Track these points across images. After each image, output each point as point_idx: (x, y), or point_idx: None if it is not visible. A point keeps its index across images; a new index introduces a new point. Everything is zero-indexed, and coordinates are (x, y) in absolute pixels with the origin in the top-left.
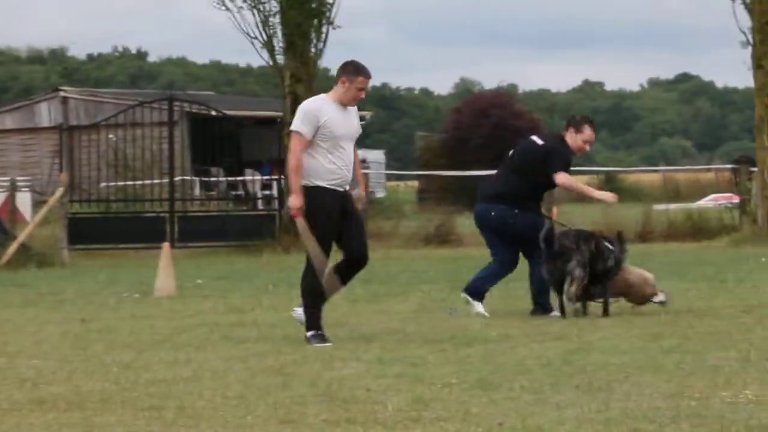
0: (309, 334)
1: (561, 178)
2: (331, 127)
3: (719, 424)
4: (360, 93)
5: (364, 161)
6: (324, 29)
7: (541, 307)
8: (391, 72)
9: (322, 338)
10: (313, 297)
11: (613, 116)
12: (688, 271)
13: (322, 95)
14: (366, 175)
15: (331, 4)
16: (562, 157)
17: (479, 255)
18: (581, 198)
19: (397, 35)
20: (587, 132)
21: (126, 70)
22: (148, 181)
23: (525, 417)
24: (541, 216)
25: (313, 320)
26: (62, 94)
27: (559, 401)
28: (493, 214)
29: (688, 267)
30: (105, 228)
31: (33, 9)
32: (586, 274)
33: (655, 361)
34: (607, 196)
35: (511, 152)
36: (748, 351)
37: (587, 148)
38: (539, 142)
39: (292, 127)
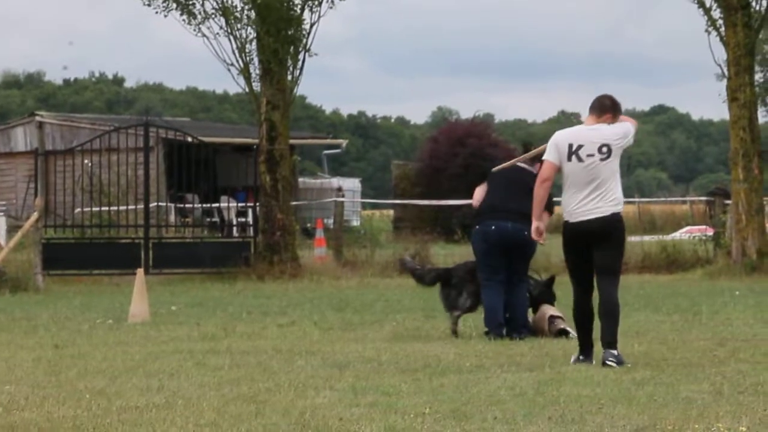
0: None
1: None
2: None
3: None
4: None
5: (339, 189)
6: (300, 56)
7: (520, 329)
8: (368, 100)
9: None
10: None
11: None
12: (663, 303)
13: None
14: (341, 203)
15: (308, 32)
16: None
17: None
18: (558, 229)
19: (373, 64)
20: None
21: (102, 96)
22: (123, 207)
23: None
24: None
25: None
26: (38, 118)
27: None
28: (526, 233)
29: (662, 299)
30: (80, 253)
31: (7, 33)
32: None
33: (628, 392)
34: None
35: (500, 177)
36: (721, 384)
37: None
38: (533, 170)
39: None
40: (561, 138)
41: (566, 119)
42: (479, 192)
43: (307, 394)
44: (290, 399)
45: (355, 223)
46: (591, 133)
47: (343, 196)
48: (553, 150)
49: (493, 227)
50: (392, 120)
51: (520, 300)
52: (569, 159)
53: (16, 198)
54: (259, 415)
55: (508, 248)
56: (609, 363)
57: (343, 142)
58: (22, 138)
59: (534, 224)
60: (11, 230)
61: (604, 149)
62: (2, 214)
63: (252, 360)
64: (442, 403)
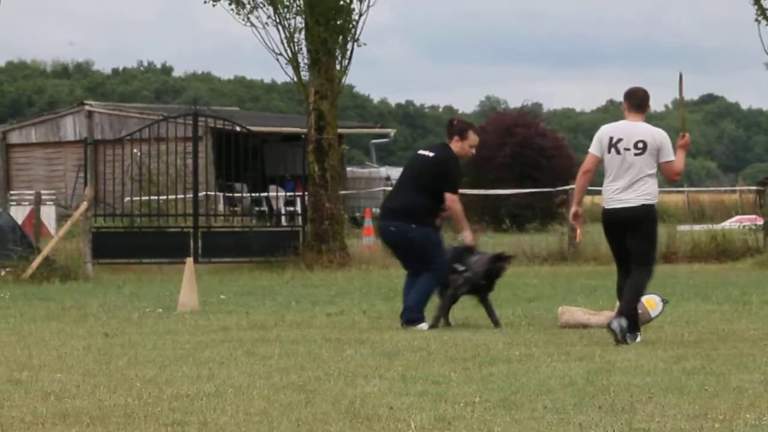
0: None
1: (450, 200)
2: None
3: None
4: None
5: (387, 179)
6: (349, 46)
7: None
8: (415, 89)
9: None
10: None
11: None
12: (713, 292)
13: None
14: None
15: (357, 21)
16: (455, 175)
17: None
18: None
19: (419, 52)
20: (472, 137)
21: (151, 85)
22: (172, 196)
23: None
24: (438, 231)
25: None
26: (87, 108)
27: (582, 421)
28: (392, 229)
29: (712, 288)
30: (129, 242)
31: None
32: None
33: (678, 382)
34: (469, 237)
35: (404, 167)
36: None
37: (473, 152)
38: (429, 154)
39: None
40: (604, 132)
41: (615, 108)
42: None
43: (356, 382)
44: (340, 388)
45: None
46: (631, 128)
47: (391, 185)
48: (596, 143)
49: (381, 228)
50: (440, 109)
51: (415, 287)
52: (609, 151)
53: (65, 187)
54: (308, 404)
55: (394, 247)
56: (612, 328)
57: (392, 131)
58: (71, 127)
59: (573, 209)
60: (61, 219)
61: (640, 145)
62: (52, 203)
63: (301, 349)
64: (491, 392)
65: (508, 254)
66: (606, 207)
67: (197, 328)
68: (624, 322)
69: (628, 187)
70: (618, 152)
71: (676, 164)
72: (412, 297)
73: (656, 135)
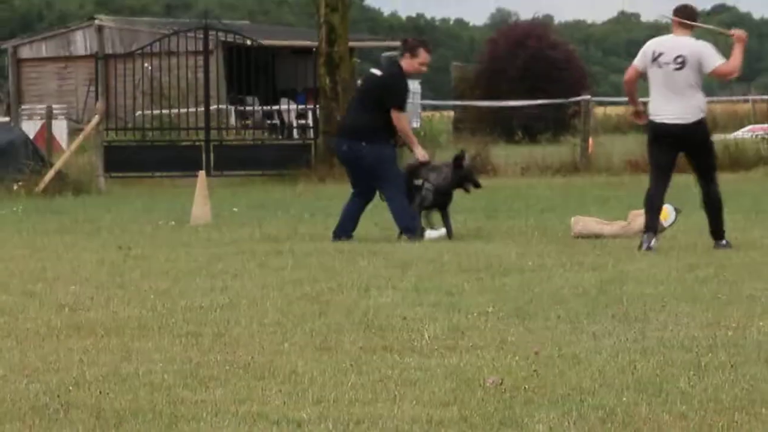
0: None
1: (396, 116)
2: None
3: (756, 353)
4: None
5: None
6: None
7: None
8: (425, 2)
9: None
10: None
11: None
12: (726, 202)
13: None
14: None
15: None
16: (398, 91)
17: (515, 185)
18: (618, 129)
19: None
20: (423, 55)
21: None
22: (183, 110)
23: (561, 346)
24: (392, 147)
25: None
26: (97, 22)
27: (596, 331)
28: (344, 148)
29: (725, 198)
30: (141, 156)
31: None
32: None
33: (691, 291)
34: (420, 153)
35: (357, 87)
36: None
37: (424, 69)
38: (378, 73)
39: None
40: (649, 45)
41: (626, 19)
42: None
43: (370, 293)
44: (353, 299)
45: (415, 124)
46: (673, 42)
47: None
48: (641, 56)
49: (335, 145)
50: (451, 22)
51: (391, 213)
52: (652, 64)
53: (77, 101)
54: (322, 314)
55: (346, 164)
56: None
57: None
58: (81, 42)
59: (633, 109)
60: (72, 133)
61: (680, 59)
62: (64, 117)
63: (314, 261)
64: (505, 302)
65: (461, 152)
66: (654, 120)
67: (210, 240)
68: (722, 242)
69: (674, 102)
70: (659, 66)
71: (724, 67)
72: (396, 220)
73: (695, 47)
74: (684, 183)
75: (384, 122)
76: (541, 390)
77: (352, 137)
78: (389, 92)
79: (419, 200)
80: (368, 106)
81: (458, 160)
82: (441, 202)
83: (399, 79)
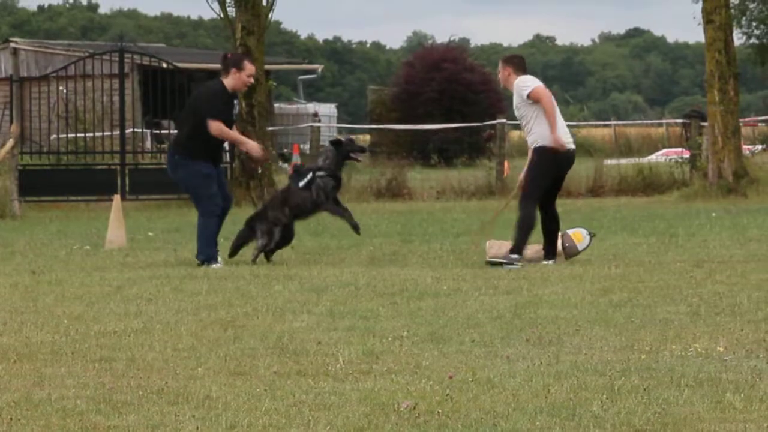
0: None
1: (212, 126)
2: None
3: (669, 377)
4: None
5: (315, 115)
6: None
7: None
8: (342, 25)
9: None
10: None
11: (564, 71)
12: (639, 225)
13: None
14: (318, 128)
15: None
16: (212, 103)
17: (430, 209)
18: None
19: None
20: (248, 67)
21: (77, 22)
22: (99, 134)
23: (476, 370)
24: (211, 164)
25: None
26: (13, 45)
27: (510, 354)
28: (169, 162)
29: (638, 222)
30: (56, 180)
31: None
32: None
33: (605, 314)
34: (253, 148)
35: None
36: (697, 305)
37: (251, 81)
38: (198, 90)
39: None
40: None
41: (541, 43)
42: None
43: (284, 318)
44: (268, 323)
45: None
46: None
47: (319, 121)
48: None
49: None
50: (368, 45)
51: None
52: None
53: None
54: (236, 339)
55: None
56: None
57: (319, 68)
58: None
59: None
60: None
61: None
62: None
63: (230, 285)
64: (419, 326)
65: (337, 138)
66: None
67: (124, 265)
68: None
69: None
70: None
71: None
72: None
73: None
74: (597, 206)
75: (201, 138)
76: (455, 414)
77: (172, 150)
78: (200, 106)
79: (324, 190)
80: (187, 121)
81: (336, 140)
82: (337, 184)
83: (208, 91)
